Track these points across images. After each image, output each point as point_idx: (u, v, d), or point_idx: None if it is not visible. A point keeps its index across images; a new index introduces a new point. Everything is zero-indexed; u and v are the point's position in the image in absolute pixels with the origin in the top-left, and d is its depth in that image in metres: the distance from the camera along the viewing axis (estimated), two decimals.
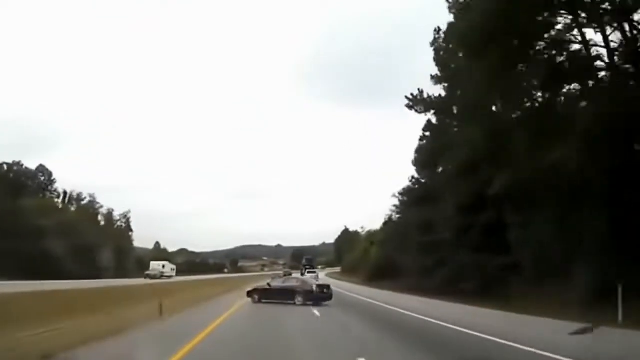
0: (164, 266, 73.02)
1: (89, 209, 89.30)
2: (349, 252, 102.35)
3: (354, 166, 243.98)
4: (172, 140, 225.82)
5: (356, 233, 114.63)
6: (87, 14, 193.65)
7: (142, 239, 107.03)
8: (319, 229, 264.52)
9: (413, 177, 42.12)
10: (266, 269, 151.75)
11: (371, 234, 73.47)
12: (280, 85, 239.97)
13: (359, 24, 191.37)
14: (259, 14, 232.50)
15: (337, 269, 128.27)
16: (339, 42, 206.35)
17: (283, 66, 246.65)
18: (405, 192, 44.61)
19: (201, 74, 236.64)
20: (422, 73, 63.95)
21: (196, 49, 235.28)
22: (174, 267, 78.96)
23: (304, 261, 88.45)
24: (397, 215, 50.80)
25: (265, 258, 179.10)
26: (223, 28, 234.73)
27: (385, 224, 58.08)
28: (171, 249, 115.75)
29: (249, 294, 23.76)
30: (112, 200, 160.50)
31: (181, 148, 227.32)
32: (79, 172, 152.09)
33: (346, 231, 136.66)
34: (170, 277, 66.23)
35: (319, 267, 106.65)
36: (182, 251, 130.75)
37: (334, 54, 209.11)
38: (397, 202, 49.81)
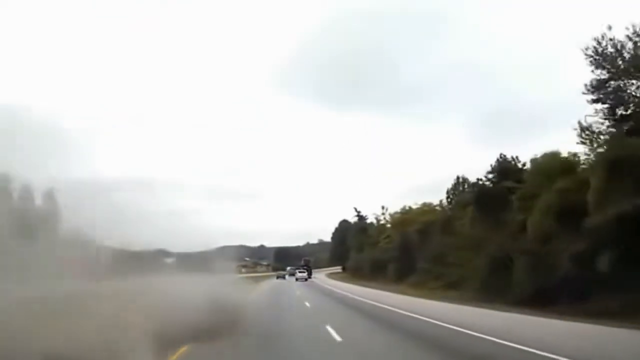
0: None
1: None
2: (360, 247, 73.11)
3: (339, 166, 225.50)
4: (163, 139, 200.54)
5: (362, 222, 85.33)
6: (86, 14, 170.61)
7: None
8: (302, 229, 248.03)
9: None
10: (244, 270, 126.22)
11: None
12: (265, 86, 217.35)
13: (353, 18, 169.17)
14: (255, 13, 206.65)
15: (334, 269, 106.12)
16: (330, 39, 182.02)
17: (266, 67, 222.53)
18: None
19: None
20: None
21: (191, 48, 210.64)
22: None
23: (302, 262, 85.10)
24: None
25: (247, 258, 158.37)
26: (212, 27, 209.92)
27: None
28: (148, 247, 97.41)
29: None
30: None
31: (170, 147, 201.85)
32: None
33: (346, 222, 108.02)
34: None
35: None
36: (159, 251, 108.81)
37: (321, 53, 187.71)
38: None
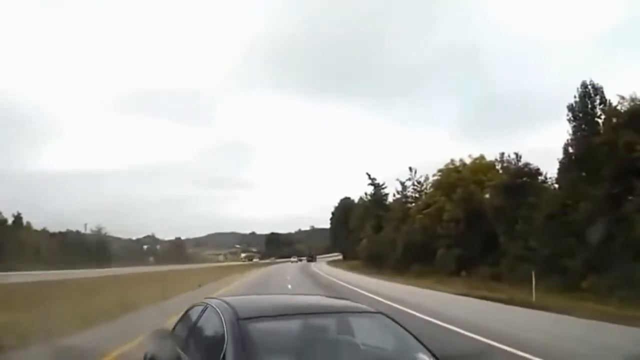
0: None
1: None
2: (377, 226, 53.67)
3: (331, 152, 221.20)
4: (150, 129, 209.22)
5: (378, 192, 65.86)
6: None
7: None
8: (294, 216, 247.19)
9: None
10: (223, 258, 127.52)
11: None
12: (255, 77, 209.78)
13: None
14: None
15: (333, 256, 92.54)
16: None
17: (254, 57, 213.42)
18: None
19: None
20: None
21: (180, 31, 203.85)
22: None
23: (308, 253, 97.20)
24: None
25: (237, 245, 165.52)
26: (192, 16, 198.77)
27: None
28: (137, 235, 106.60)
29: None
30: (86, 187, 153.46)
31: (159, 136, 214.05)
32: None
33: (348, 200, 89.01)
34: None
35: (295, 257, 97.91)
36: (148, 238, 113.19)
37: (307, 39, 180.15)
38: None
